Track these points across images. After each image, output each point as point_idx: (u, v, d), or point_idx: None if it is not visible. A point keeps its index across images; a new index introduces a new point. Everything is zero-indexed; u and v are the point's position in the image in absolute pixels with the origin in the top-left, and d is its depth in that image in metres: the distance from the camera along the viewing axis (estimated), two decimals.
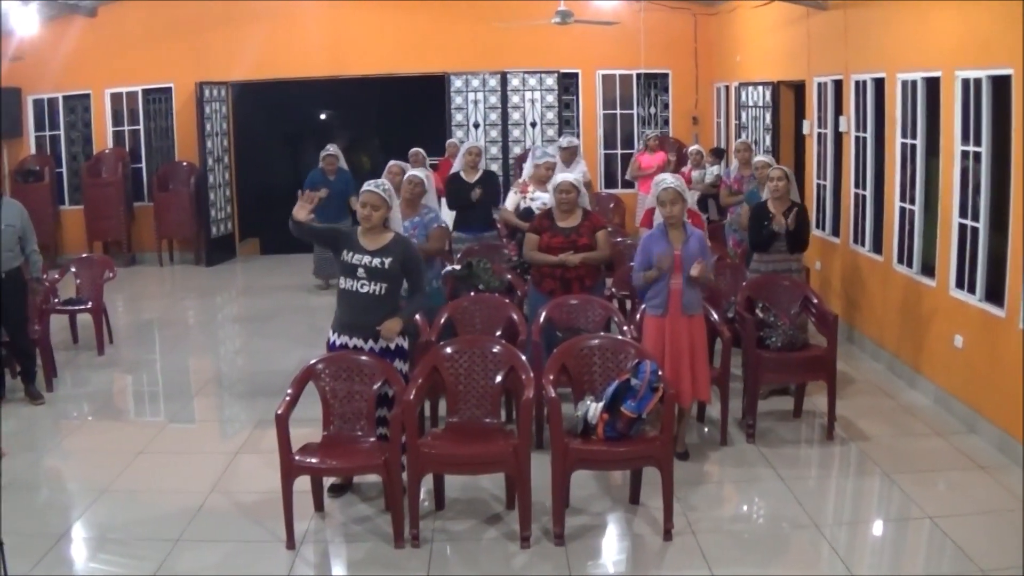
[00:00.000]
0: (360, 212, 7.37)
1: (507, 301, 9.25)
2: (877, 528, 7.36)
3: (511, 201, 11.53)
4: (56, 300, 12.19)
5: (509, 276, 10.19)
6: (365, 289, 7.26)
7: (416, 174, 9.67)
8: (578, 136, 17.35)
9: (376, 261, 7.24)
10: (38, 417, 10.14)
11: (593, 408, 7.00)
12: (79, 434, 9.95)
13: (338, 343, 7.45)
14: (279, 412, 6.92)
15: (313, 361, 7.43)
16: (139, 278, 17.74)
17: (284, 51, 18.14)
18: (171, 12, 17.90)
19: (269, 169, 20.83)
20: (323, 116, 22.85)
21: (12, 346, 10.53)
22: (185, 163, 18.51)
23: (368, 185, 7.44)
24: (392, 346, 7.37)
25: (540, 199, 11.06)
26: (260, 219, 19.37)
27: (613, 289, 10.39)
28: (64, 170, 19.22)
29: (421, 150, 14.39)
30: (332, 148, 15.06)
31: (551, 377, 7.19)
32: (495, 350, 7.49)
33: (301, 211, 7.33)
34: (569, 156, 13.24)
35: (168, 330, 14.24)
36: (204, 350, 13.35)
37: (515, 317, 8.89)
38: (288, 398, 7.09)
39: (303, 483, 7.15)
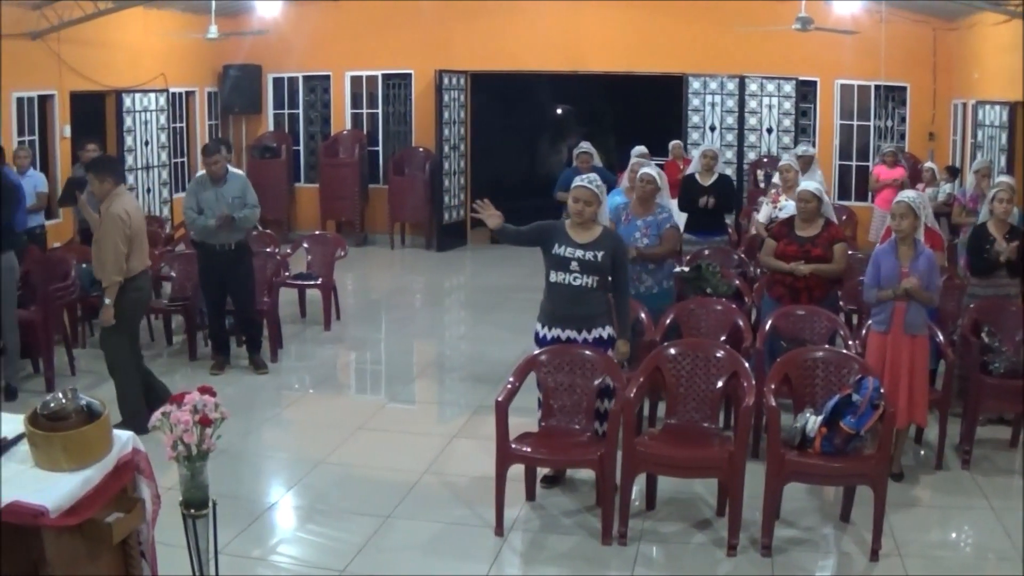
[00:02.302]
0: (572, 207, 7.31)
1: (734, 307, 9.01)
2: None
3: (764, 213, 11.26)
4: (287, 274, 12.38)
5: (738, 282, 9.91)
6: (578, 282, 7.21)
7: (649, 172, 9.43)
8: (814, 145, 16.83)
9: (589, 254, 7.19)
10: (260, 386, 10.38)
11: (812, 421, 6.74)
12: (299, 405, 10.18)
13: (549, 336, 7.40)
14: (499, 399, 6.89)
15: (536, 352, 7.38)
16: (370, 258, 17.98)
17: (524, 44, 18.05)
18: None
19: (503, 159, 20.92)
20: (559, 110, 22.84)
21: (238, 315, 10.74)
22: (421, 149, 18.65)
23: (580, 180, 7.39)
24: (604, 335, 7.31)
25: (787, 208, 10.77)
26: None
27: (841, 302, 10.03)
28: (301, 148, 19.64)
29: (643, 148, 14.08)
30: (586, 145, 14.27)
31: (773, 386, 6.97)
32: (719, 355, 7.30)
33: (493, 220, 7.35)
34: (805, 165, 12.84)
35: (395, 311, 14.42)
36: (429, 333, 13.42)
37: (741, 323, 8.68)
38: (509, 386, 7.06)
39: (516, 471, 7.07)
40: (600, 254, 7.17)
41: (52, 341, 10.28)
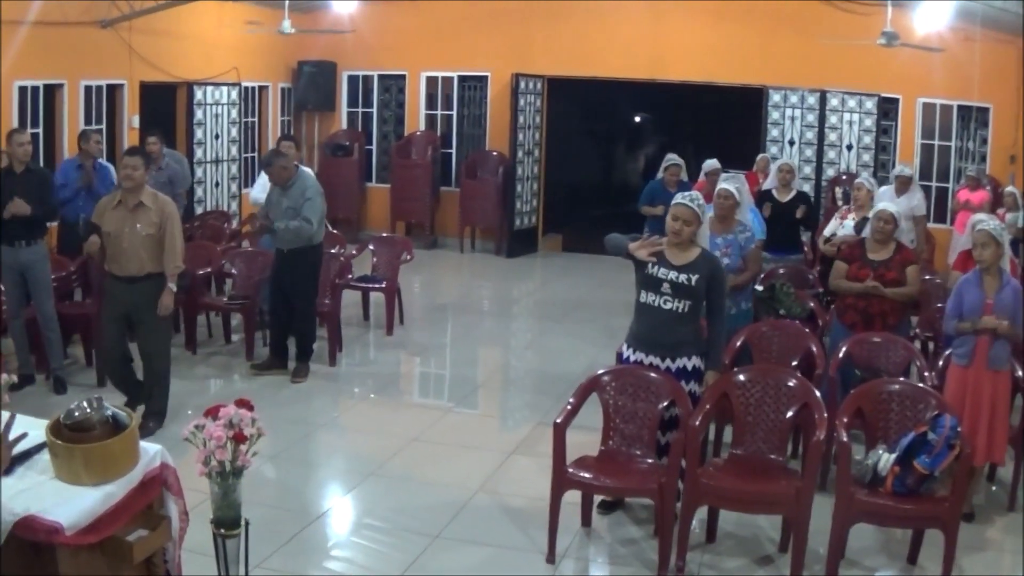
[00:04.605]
0: (670, 225, 6.93)
1: (807, 331, 8.60)
2: None
3: (830, 228, 10.88)
4: (350, 276, 12.15)
5: (812, 304, 9.52)
6: (668, 306, 6.84)
7: (726, 187, 8.98)
8: (893, 165, 16.30)
9: (683, 277, 6.81)
10: (316, 391, 10.18)
11: (885, 459, 6.39)
12: (356, 412, 9.99)
13: (632, 359, 7.05)
14: (557, 421, 6.61)
15: (600, 372, 7.09)
16: (439, 262, 17.74)
17: (602, 49, 17.67)
18: (492, 1, 17.78)
19: (578, 167, 20.63)
20: (637, 119, 22.53)
21: (294, 320, 10.58)
22: (495, 152, 18.37)
23: (680, 198, 7.01)
24: (689, 366, 6.92)
25: (848, 226, 10.48)
26: (565, 216, 19.16)
27: (918, 330, 9.62)
28: (374, 148, 19.42)
29: (715, 161, 13.69)
30: (675, 157, 13.68)
31: (845, 420, 6.62)
32: (790, 383, 6.93)
33: (642, 252, 6.89)
34: (902, 186, 12.38)
35: (460, 317, 14.11)
36: (494, 341, 13.12)
37: (814, 349, 8.26)
38: (569, 408, 6.77)
39: (573, 494, 6.77)
40: (695, 277, 6.79)
41: None
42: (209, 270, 11.72)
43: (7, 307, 9.51)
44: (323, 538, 7.00)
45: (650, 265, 6.86)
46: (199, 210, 15.85)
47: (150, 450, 4.51)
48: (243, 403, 4.91)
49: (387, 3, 18.26)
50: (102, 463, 4.23)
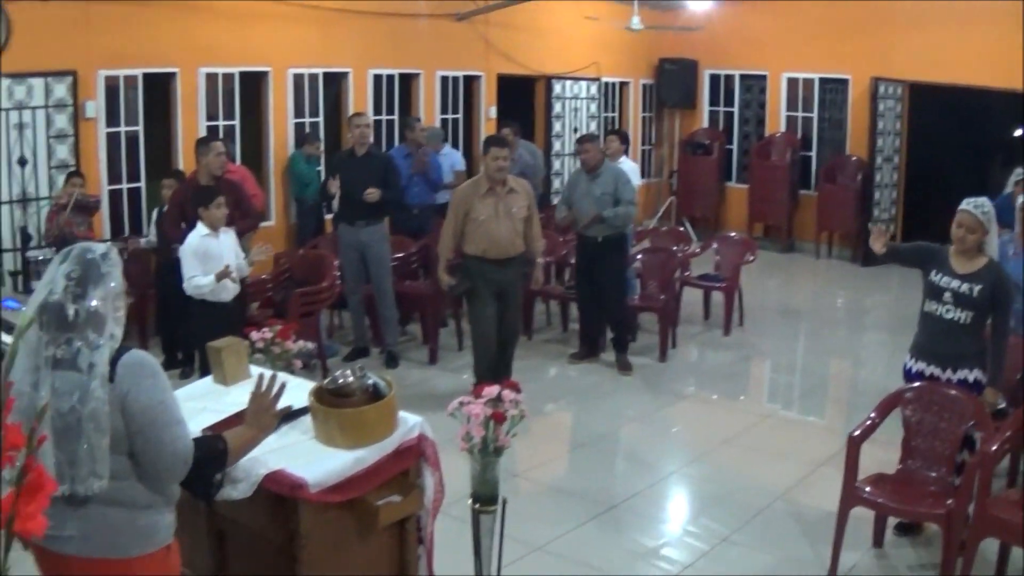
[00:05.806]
0: (954, 232, 6.62)
1: None
2: None
3: None
4: (687, 273, 12.13)
5: None
6: (950, 315, 6.56)
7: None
8: None
9: (965, 287, 6.50)
10: (640, 384, 10.28)
11: None
12: (674, 409, 9.95)
13: (914, 369, 6.83)
14: (854, 434, 6.44)
15: (902, 388, 6.82)
16: (792, 266, 17.43)
17: (964, 55, 16.54)
18: (854, 2, 17.07)
19: (942, 177, 19.71)
20: (1018, 132, 21.39)
21: (606, 312, 10.78)
22: (855, 157, 17.79)
23: (965, 204, 6.66)
24: (971, 379, 6.57)
25: None
26: (925, 226, 18.36)
27: None
28: (734, 147, 19.24)
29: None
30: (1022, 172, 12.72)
31: None
32: None
33: (876, 245, 6.89)
34: None
35: (803, 323, 13.79)
36: (832, 350, 12.69)
37: None
38: (868, 422, 6.57)
39: (869, 512, 6.56)
40: (977, 288, 6.46)
41: (440, 315, 10.54)
42: (551, 259, 11.93)
43: (346, 283, 10.06)
44: (609, 528, 7.00)
45: (933, 273, 6.64)
46: (554, 201, 16.17)
47: (409, 421, 4.63)
48: (510, 384, 4.99)
49: (746, 3, 18.04)
50: (356, 429, 4.39)
